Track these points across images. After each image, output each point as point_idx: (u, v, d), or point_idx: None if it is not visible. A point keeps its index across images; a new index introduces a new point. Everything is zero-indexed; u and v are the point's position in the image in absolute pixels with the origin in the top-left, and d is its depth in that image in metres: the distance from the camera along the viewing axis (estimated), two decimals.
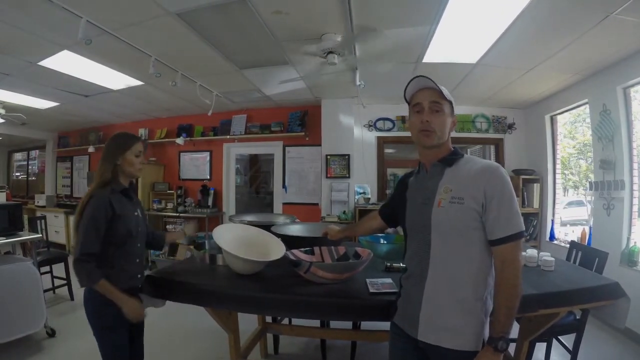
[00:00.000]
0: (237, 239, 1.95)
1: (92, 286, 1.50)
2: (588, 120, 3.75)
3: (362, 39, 2.83)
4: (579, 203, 5.38)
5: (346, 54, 3.09)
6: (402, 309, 1.26)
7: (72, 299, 3.86)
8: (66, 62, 3.26)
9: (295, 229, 2.32)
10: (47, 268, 3.79)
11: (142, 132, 5.91)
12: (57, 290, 3.94)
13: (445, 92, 1.17)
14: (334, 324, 2.79)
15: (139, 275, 1.71)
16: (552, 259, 1.96)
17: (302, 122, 5.02)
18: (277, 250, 1.90)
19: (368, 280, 1.67)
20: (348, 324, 2.67)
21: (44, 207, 6.37)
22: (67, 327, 3.14)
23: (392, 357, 1.31)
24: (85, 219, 1.49)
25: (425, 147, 1.20)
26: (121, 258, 1.60)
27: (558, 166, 4.36)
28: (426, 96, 1.17)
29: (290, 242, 2.04)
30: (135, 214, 1.68)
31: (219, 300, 1.66)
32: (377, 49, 3.03)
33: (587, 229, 3.70)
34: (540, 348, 2.43)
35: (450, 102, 1.19)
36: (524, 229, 1.09)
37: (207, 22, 2.56)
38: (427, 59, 3.21)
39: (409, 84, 1.21)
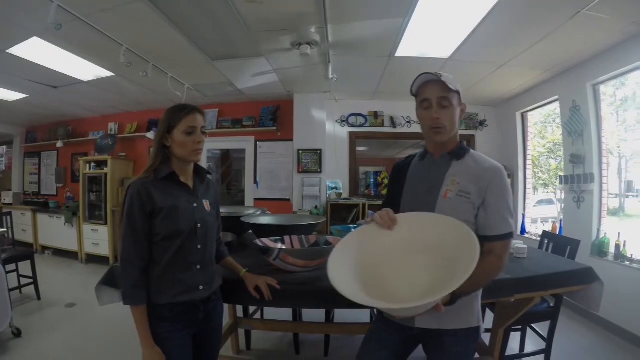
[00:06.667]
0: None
1: (127, 305, 1.18)
2: (558, 120, 3.85)
3: (336, 30, 2.83)
4: (549, 201, 5.53)
5: (319, 45, 3.08)
6: None
7: (39, 298, 3.70)
8: (35, 50, 3.15)
9: (266, 220, 2.27)
10: (12, 266, 3.63)
11: (112, 126, 5.73)
12: (23, 290, 3.78)
13: (451, 82, 1.12)
14: (306, 317, 2.76)
15: (201, 287, 1.29)
16: (525, 246, 1.99)
17: (274, 116, 4.97)
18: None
19: None
20: (321, 318, 2.65)
21: (10, 204, 6.14)
22: (33, 327, 3.02)
23: (370, 351, 1.26)
24: (124, 216, 1.21)
25: (436, 143, 1.20)
26: (173, 265, 1.24)
27: (529, 162, 4.47)
28: (433, 91, 1.13)
29: (260, 231, 2.01)
30: (194, 205, 1.31)
31: None
32: (350, 41, 3.03)
33: (557, 222, 3.79)
34: (514, 338, 2.44)
35: (457, 92, 1.15)
36: (513, 229, 1.15)
37: (181, 10, 2.51)
38: (400, 52, 3.21)
39: (415, 80, 1.17)
